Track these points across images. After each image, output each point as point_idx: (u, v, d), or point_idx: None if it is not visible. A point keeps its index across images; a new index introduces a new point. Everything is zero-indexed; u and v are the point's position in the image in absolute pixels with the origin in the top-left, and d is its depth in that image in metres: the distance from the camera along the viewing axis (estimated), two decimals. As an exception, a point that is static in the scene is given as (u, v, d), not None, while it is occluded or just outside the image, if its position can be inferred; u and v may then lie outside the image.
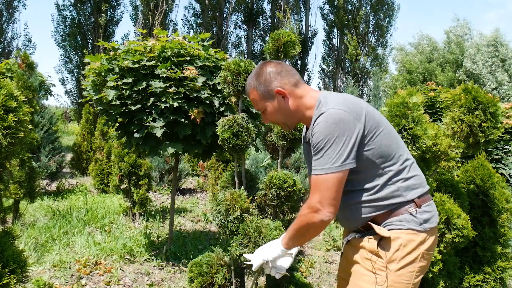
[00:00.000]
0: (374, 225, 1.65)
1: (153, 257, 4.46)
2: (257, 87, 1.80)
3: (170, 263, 4.35)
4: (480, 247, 3.43)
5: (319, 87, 29.34)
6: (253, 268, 1.86)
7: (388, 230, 1.63)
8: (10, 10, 23.36)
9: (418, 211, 1.64)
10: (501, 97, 20.14)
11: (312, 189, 1.63)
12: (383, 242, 1.63)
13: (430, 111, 7.05)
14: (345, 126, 1.56)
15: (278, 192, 2.41)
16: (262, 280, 2.88)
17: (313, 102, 1.75)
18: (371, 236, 1.67)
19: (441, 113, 6.54)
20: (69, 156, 10.21)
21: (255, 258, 1.84)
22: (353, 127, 1.57)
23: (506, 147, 6.13)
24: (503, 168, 5.72)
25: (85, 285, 3.77)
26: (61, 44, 23.10)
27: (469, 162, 3.67)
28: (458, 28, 26.47)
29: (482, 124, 3.07)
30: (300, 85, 1.81)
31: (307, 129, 1.85)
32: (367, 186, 1.66)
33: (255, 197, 2.55)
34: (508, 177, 5.36)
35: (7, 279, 1.74)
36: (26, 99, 4.58)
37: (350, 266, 1.78)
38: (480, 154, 3.63)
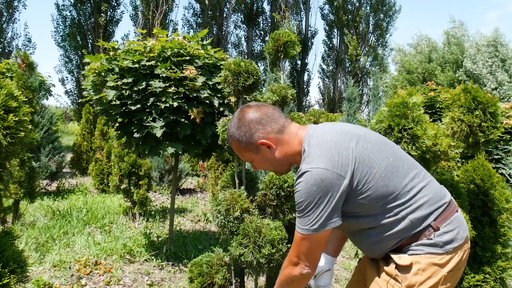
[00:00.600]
0: (393, 256, 1.59)
1: (153, 257, 4.47)
2: (239, 139, 1.68)
3: (170, 263, 4.35)
4: (480, 247, 3.43)
5: (319, 87, 29.37)
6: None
7: (408, 255, 1.57)
8: (10, 10, 23.36)
9: (436, 234, 1.55)
10: (501, 97, 20.14)
11: (293, 243, 1.61)
12: (402, 267, 1.57)
13: (430, 111, 7.05)
14: (328, 186, 1.48)
15: (278, 192, 2.41)
16: (262, 280, 2.89)
17: (301, 148, 1.65)
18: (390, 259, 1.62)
19: (441, 113, 6.55)
20: (69, 156, 10.22)
21: None
22: (337, 185, 1.49)
23: (506, 147, 6.13)
24: (503, 168, 5.72)
25: (85, 285, 3.77)
26: (61, 44, 23.14)
27: (469, 162, 3.67)
28: (455, 29, 26.50)
29: (482, 124, 3.07)
30: (285, 130, 1.68)
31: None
32: (378, 225, 1.58)
33: (255, 197, 2.55)
34: (508, 177, 5.36)
35: (7, 279, 1.74)
36: (26, 99, 4.58)
37: (368, 283, 1.73)
38: (480, 154, 3.63)
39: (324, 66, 28.64)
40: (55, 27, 23.11)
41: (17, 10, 23.98)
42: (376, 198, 1.54)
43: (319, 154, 1.53)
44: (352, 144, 1.57)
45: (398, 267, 1.57)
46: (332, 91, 27.94)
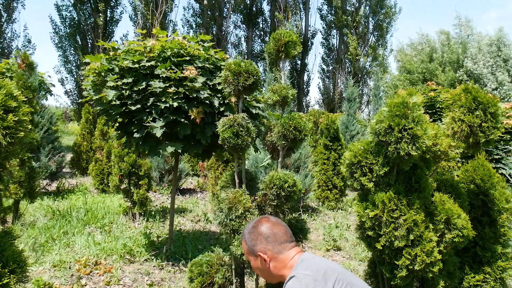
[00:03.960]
0: None
1: (153, 257, 4.46)
2: (246, 242, 1.97)
3: (170, 263, 4.35)
4: (480, 247, 3.43)
5: (319, 87, 29.36)
6: None
7: None
8: (9, 10, 23.34)
9: None
10: (502, 97, 20.14)
11: None
12: None
13: (430, 111, 7.05)
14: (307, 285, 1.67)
15: (278, 192, 2.41)
16: (262, 280, 2.88)
17: (290, 270, 1.85)
18: None
19: (441, 113, 6.55)
20: (69, 156, 10.22)
21: None
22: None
23: (506, 147, 6.13)
24: (503, 168, 5.72)
25: (85, 285, 3.76)
26: (60, 45, 23.11)
27: (469, 162, 3.67)
28: (459, 27, 26.46)
29: (482, 124, 3.07)
30: (284, 251, 1.91)
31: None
32: None
33: (255, 197, 2.54)
34: (509, 177, 5.36)
35: (7, 279, 1.73)
36: (26, 99, 4.58)
37: None
38: (480, 154, 3.63)
39: (324, 66, 28.68)
40: (54, 28, 23.11)
41: (16, 10, 23.96)
42: None
43: (305, 267, 1.76)
44: (339, 268, 1.80)
45: None
46: (332, 91, 27.94)
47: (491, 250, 3.41)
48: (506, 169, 5.63)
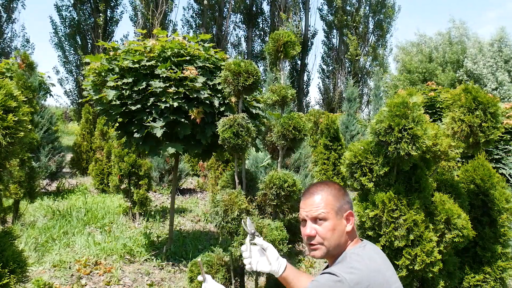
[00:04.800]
0: None
1: (153, 257, 4.46)
2: (335, 196, 1.74)
3: (170, 263, 4.35)
4: (480, 247, 3.43)
5: (318, 87, 29.36)
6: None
7: None
8: (9, 11, 23.33)
9: None
10: (502, 97, 20.13)
11: None
12: None
13: (430, 111, 7.05)
14: None
15: (278, 192, 2.40)
16: (262, 280, 2.88)
17: (348, 246, 1.74)
18: None
19: (441, 113, 6.54)
20: (69, 156, 10.22)
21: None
22: None
23: (506, 147, 6.13)
24: (503, 168, 5.72)
25: (85, 285, 3.76)
26: (60, 45, 23.10)
27: (469, 162, 3.67)
28: (454, 30, 26.51)
29: (482, 124, 3.07)
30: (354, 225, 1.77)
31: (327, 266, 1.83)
32: None
33: (255, 197, 2.54)
34: (509, 177, 5.36)
35: (7, 279, 1.73)
36: (25, 99, 4.58)
37: None
38: (480, 154, 3.63)
39: (324, 66, 28.67)
40: (53, 28, 23.09)
41: (16, 10, 23.94)
42: None
43: (353, 268, 1.59)
44: (378, 278, 1.62)
45: None
46: (332, 91, 27.94)
47: (491, 250, 3.41)
48: (506, 169, 5.63)
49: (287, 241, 2.33)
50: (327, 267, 1.73)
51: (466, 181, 3.56)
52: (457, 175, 3.68)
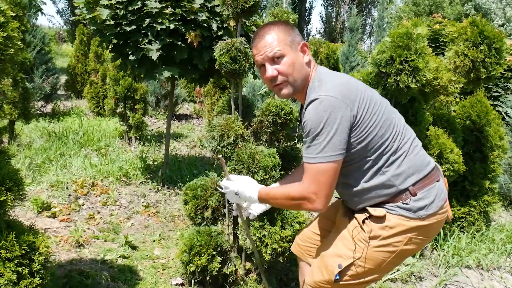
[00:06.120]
0: (369, 208, 1.64)
1: (148, 180, 4.56)
2: (284, 31, 1.67)
3: (166, 186, 4.45)
4: (469, 181, 3.51)
5: (321, 16, 28.43)
6: (227, 197, 1.98)
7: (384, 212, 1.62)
8: None
9: (413, 199, 1.59)
10: (508, 33, 19.61)
11: (307, 177, 1.56)
12: (373, 219, 1.62)
13: (433, 45, 6.89)
14: (337, 113, 1.49)
15: (274, 119, 2.39)
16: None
17: (311, 75, 1.71)
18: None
19: (445, 48, 6.39)
20: (63, 79, 10.06)
21: (230, 187, 1.90)
22: (346, 115, 1.51)
23: (506, 84, 6.08)
24: (501, 106, 5.71)
25: (83, 205, 3.87)
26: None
27: (468, 98, 3.65)
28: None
29: (486, 60, 3.01)
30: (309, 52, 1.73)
31: (301, 108, 1.79)
32: (357, 177, 1.63)
33: (251, 124, 2.54)
34: (505, 115, 5.37)
35: (4, 196, 1.76)
36: (14, 14, 4.40)
37: (339, 222, 1.82)
38: (480, 90, 3.60)
39: (328, -6, 27.53)
40: None
41: None
42: (367, 146, 1.57)
43: (330, 86, 1.56)
44: (361, 87, 1.61)
45: (369, 217, 1.63)
46: (334, 20, 27.09)
47: (479, 185, 3.51)
48: (503, 107, 5.62)
49: (279, 168, 2.36)
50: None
51: (462, 116, 3.57)
52: (454, 110, 3.68)
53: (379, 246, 1.61)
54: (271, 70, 1.67)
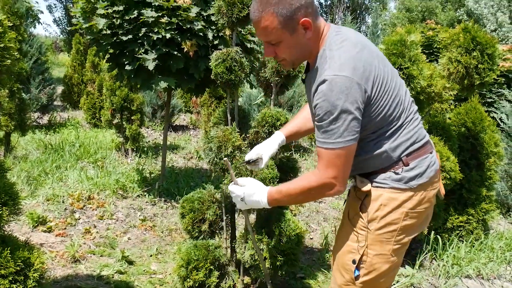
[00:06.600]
0: (358, 178, 1.63)
1: (145, 193, 4.53)
2: (277, 12, 1.45)
3: (163, 199, 4.43)
4: (466, 189, 3.51)
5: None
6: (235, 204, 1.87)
7: (372, 186, 1.58)
8: None
9: (404, 169, 1.57)
10: (500, 38, 19.77)
11: (324, 163, 1.49)
12: (366, 201, 1.60)
13: (427, 51, 6.93)
14: (354, 94, 1.41)
15: (270, 130, 2.39)
16: (252, 217, 2.95)
17: (321, 43, 1.56)
18: (358, 192, 1.65)
19: (438, 54, 6.42)
20: (60, 89, 10.04)
21: (236, 192, 1.76)
22: (361, 96, 1.44)
23: (500, 90, 6.11)
24: (495, 112, 5.73)
25: (79, 219, 3.84)
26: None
27: (462, 105, 3.66)
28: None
29: (479, 66, 3.03)
30: (318, 16, 1.55)
31: (307, 66, 1.69)
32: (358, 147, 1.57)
33: (247, 135, 2.53)
34: (499, 121, 5.39)
35: None
36: (12, 24, 4.40)
37: (343, 219, 1.79)
38: (474, 97, 3.61)
39: (322, 0, 27.73)
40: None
41: None
42: (374, 124, 1.53)
43: (343, 62, 1.45)
44: (375, 62, 1.51)
45: (362, 203, 1.61)
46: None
47: (476, 192, 3.50)
48: (497, 113, 5.64)
49: (277, 180, 2.35)
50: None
51: (457, 123, 3.58)
52: (449, 118, 3.69)
53: (380, 228, 1.58)
54: (267, 52, 1.58)
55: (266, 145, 1.95)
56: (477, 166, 3.54)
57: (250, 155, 1.95)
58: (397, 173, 1.57)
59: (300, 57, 1.59)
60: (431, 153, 1.66)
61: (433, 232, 3.38)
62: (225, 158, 1.91)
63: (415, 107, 1.68)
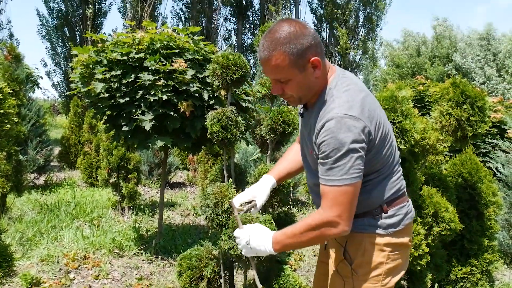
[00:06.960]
0: None
1: (142, 251, 4.45)
2: (288, 51, 1.46)
3: (160, 257, 4.34)
4: (467, 240, 3.47)
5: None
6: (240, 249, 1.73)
7: (352, 231, 1.54)
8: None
9: (383, 216, 1.61)
10: (489, 91, 20.33)
11: (328, 201, 1.48)
12: (348, 248, 1.63)
13: (419, 105, 7.10)
14: (360, 134, 1.44)
15: (267, 185, 2.40)
16: (251, 273, 2.89)
17: (328, 81, 1.59)
18: (338, 238, 1.66)
19: (430, 107, 6.59)
20: (57, 150, 10.10)
21: (241, 236, 1.67)
22: (366, 136, 1.47)
23: (493, 141, 6.19)
24: (491, 162, 5.78)
25: (74, 279, 3.74)
26: (48, 37, 22.81)
27: (457, 156, 3.70)
28: (438, 27, 27.01)
29: (470, 118, 3.10)
30: (324, 54, 1.58)
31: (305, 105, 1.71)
32: None
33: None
34: (495, 171, 5.42)
35: (-7, 274, 1.71)
36: (12, 91, 4.51)
37: (329, 268, 1.80)
38: (468, 148, 3.66)
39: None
40: (40, 20, 22.77)
41: (3, 1, 23.43)
42: (369, 167, 1.56)
43: (351, 103, 1.48)
44: (377, 109, 1.58)
45: (345, 251, 1.64)
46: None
47: (478, 243, 3.46)
48: (493, 163, 5.69)
49: (276, 235, 2.33)
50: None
51: (454, 174, 3.60)
52: (445, 169, 3.72)
53: (366, 274, 1.61)
54: (275, 89, 1.59)
55: (258, 188, 1.87)
56: (477, 216, 3.52)
57: (243, 197, 1.84)
58: (376, 219, 1.61)
59: (307, 94, 1.59)
60: (408, 201, 1.72)
61: (436, 284, 3.30)
62: (230, 200, 1.84)
63: (400, 159, 1.74)
